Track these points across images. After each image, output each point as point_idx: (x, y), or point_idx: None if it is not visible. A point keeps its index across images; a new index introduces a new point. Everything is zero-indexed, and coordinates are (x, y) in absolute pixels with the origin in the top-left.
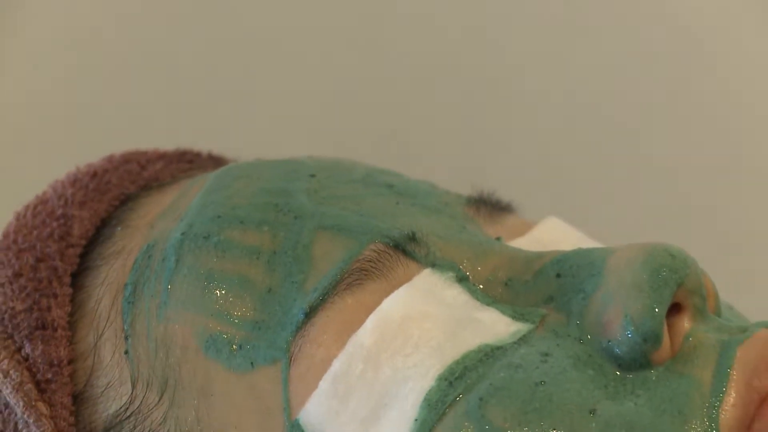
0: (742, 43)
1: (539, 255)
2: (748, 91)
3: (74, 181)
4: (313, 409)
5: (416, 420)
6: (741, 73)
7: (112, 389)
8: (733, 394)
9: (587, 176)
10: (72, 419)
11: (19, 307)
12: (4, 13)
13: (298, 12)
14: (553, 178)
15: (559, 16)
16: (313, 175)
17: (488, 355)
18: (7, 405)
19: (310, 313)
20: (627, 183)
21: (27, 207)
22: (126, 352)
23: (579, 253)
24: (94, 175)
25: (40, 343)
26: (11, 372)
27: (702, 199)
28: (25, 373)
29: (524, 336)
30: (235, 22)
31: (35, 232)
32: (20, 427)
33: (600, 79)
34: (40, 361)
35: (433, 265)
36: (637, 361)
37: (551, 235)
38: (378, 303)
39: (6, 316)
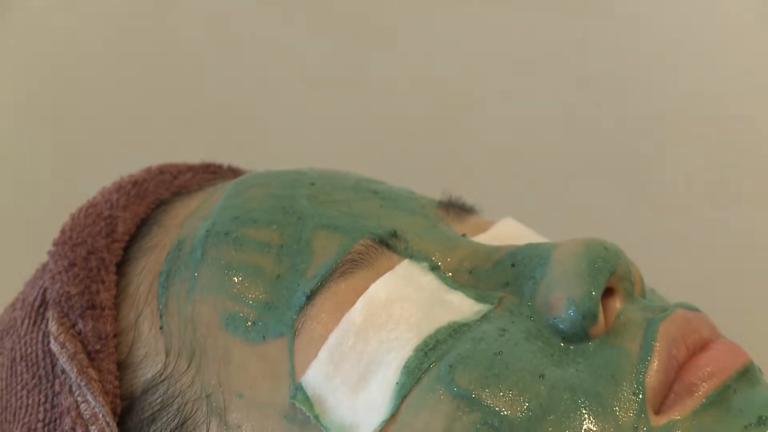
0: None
1: (497, 248)
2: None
3: (119, 188)
4: (313, 374)
5: (397, 383)
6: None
7: (150, 358)
8: (657, 362)
9: (538, 183)
10: (116, 382)
11: (73, 291)
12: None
13: (296, 36)
14: (509, 186)
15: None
16: (313, 183)
17: (456, 330)
18: (63, 371)
19: (311, 296)
20: (571, 187)
21: (80, 209)
22: (161, 328)
23: (530, 247)
24: (135, 183)
25: (90, 320)
26: (67, 344)
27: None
28: (78, 345)
29: (485, 315)
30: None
31: (87, 230)
32: (74, 389)
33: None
34: (90, 335)
35: (410, 257)
36: (578, 335)
37: (507, 232)
38: (366, 287)
39: (62, 298)
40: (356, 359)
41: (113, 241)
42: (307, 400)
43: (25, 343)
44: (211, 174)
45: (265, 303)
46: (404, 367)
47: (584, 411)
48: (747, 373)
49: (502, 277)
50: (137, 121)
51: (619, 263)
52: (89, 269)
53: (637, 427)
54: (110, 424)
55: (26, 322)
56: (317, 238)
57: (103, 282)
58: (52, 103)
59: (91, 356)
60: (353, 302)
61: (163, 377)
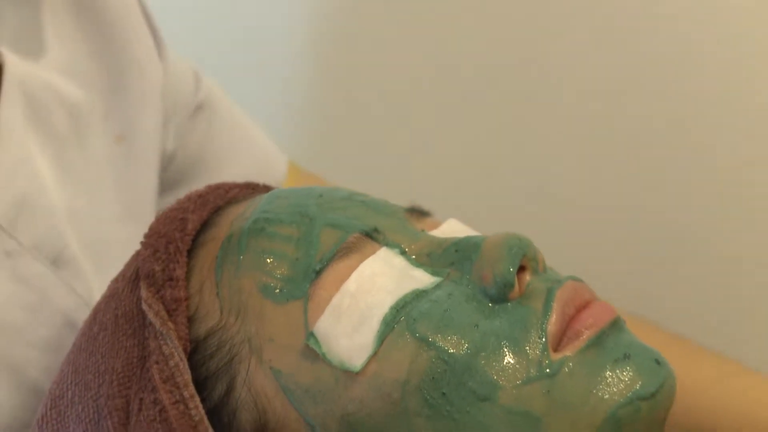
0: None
1: (446, 239)
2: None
3: (188, 198)
4: (321, 325)
5: (378, 331)
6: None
7: (209, 315)
8: (554, 316)
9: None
10: (187, 331)
11: (157, 268)
12: None
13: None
14: (456, 195)
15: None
16: (320, 196)
17: (418, 295)
18: (151, 323)
19: (319, 272)
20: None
21: (162, 213)
22: (217, 294)
23: (468, 238)
24: (200, 195)
25: (169, 288)
26: (153, 305)
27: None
28: (161, 305)
29: (438, 284)
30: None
31: (167, 227)
32: (158, 336)
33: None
34: (169, 299)
35: (387, 245)
36: (501, 298)
37: (452, 228)
38: (357, 266)
39: (150, 273)
40: (350, 315)
41: (185, 234)
42: (317, 342)
43: (125, 305)
44: (252, 189)
45: (288, 277)
46: (383, 319)
47: (505, 349)
48: (616, 324)
49: (449, 258)
50: None
51: (528, 249)
52: (168, 253)
53: (541, 360)
54: (182, 359)
55: (125, 290)
56: (324, 233)
57: (178, 262)
58: None
59: (170, 313)
60: (348, 276)
61: (218, 327)
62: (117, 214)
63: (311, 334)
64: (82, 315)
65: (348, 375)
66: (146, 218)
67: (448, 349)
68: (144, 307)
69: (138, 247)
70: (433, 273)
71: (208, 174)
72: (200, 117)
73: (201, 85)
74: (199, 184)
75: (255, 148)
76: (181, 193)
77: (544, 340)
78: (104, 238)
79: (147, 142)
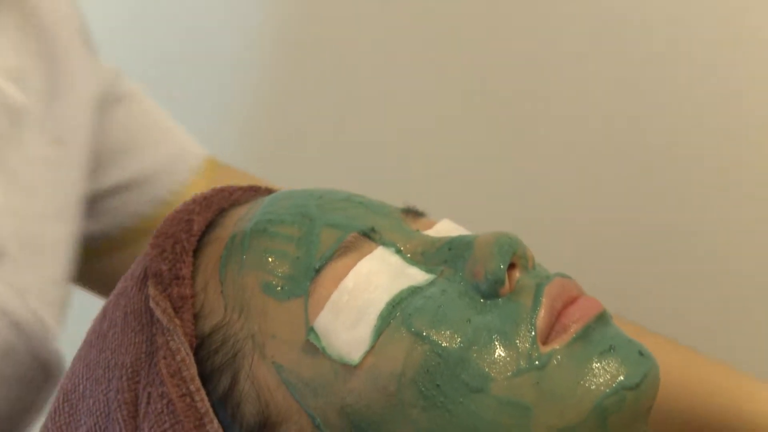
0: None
1: (440, 238)
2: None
3: (194, 201)
4: (320, 321)
5: (375, 326)
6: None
7: (214, 312)
8: (543, 311)
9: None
10: (193, 328)
11: (164, 268)
12: None
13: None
14: (448, 197)
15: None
16: (320, 197)
17: (413, 292)
18: (158, 320)
19: (319, 270)
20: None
21: (169, 215)
22: (221, 292)
23: (461, 237)
24: (205, 197)
25: (175, 287)
26: (160, 302)
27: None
28: (168, 303)
29: (432, 281)
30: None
31: (173, 228)
32: (165, 332)
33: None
34: (175, 296)
35: (383, 244)
36: (492, 294)
37: (445, 228)
38: (354, 265)
39: (157, 272)
40: (348, 311)
41: (191, 235)
42: (317, 337)
43: (134, 303)
44: (254, 192)
45: (289, 275)
46: (379, 315)
47: (497, 343)
48: (602, 318)
49: (442, 256)
50: None
51: (518, 247)
52: (175, 253)
53: (530, 353)
54: (189, 354)
55: (134, 288)
56: (323, 233)
57: (184, 262)
58: None
59: (176, 310)
60: (347, 274)
61: (223, 324)
62: (51, 214)
63: (312, 330)
64: (14, 305)
65: (346, 368)
66: (74, 218)
67: (442, 343)
68: (152, 304)
69: (71, 244)
70: (428, 270)
71: (120, 162)
72: (117, 109)
73: (120, 81)
74: (111, 172)
75: (171, 141)
76: (96, 180)
77: (533, 333)
78: (39, 236)
79: (81, 146)
